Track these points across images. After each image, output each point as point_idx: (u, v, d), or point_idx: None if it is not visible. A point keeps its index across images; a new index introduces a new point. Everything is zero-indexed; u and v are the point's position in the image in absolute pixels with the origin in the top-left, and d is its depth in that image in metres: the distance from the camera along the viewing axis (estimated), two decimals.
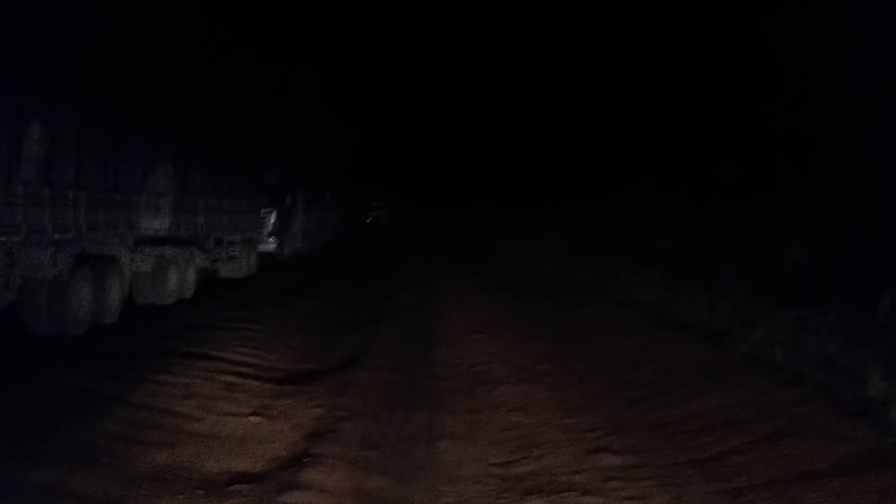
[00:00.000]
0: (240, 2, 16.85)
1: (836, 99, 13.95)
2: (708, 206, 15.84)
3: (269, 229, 20.96)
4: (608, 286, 14.22)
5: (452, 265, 22.82)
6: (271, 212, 20.96)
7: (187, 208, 12.81)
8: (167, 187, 11.98)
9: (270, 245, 20.96)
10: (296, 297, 13.78)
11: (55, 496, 4.46)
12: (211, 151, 14.24)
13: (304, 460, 5.35)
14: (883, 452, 5.05)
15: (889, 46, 12.18)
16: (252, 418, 6.40)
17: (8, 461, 4.84)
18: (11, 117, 7.95)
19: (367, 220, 48.79)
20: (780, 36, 15.45)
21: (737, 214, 14.57)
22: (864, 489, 4.49)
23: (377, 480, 5.21)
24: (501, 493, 5.13)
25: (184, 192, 12.69)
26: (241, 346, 9.17)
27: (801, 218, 12.82)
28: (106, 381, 6.98)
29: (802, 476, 4.84)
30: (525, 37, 30.50)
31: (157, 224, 11.63)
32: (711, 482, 5.02)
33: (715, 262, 11.40)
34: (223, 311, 11.84)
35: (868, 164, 12.56)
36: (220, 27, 14.61)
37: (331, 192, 28.46)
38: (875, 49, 12.96)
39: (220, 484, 4.95)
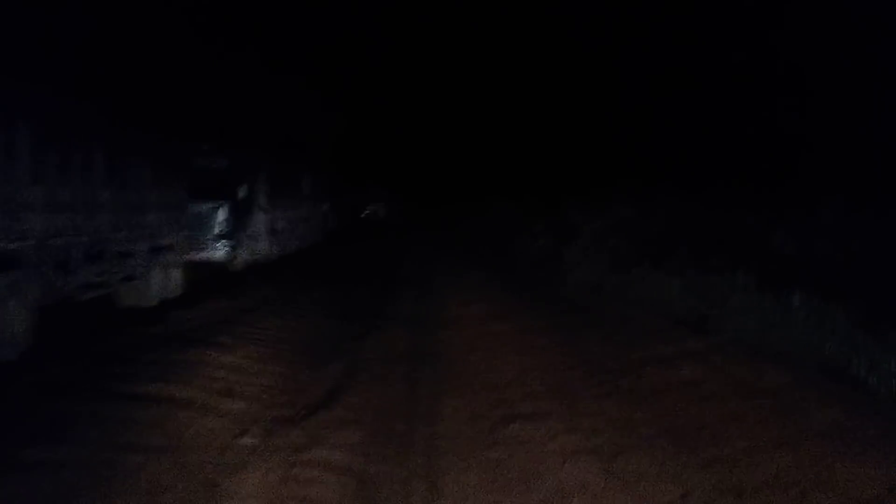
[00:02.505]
0: None
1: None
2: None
3: (217, 230, 15.82)
4: (707, 315, 9.07)
5: (463, 275, 17.58)
6: (218, 207, 15.82)
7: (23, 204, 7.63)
8: None
9: (219, 251, 15.82)
10: (218, 347, 8.63)
11: None
12: (97, 115, 9.18)
13: None
14: None
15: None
16: None
17: None
18: None
19: (362, 216, 43.73)
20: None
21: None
22: None
23: None
24: None
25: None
26: None
27: None
28: None
29: None
30: (538, 21, 25.28)
31: None
32: None
33: None
34: (44, 400, 6.53)
35: None
36: None
37: (310, 181, 23.26)
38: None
39: None
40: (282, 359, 8.27)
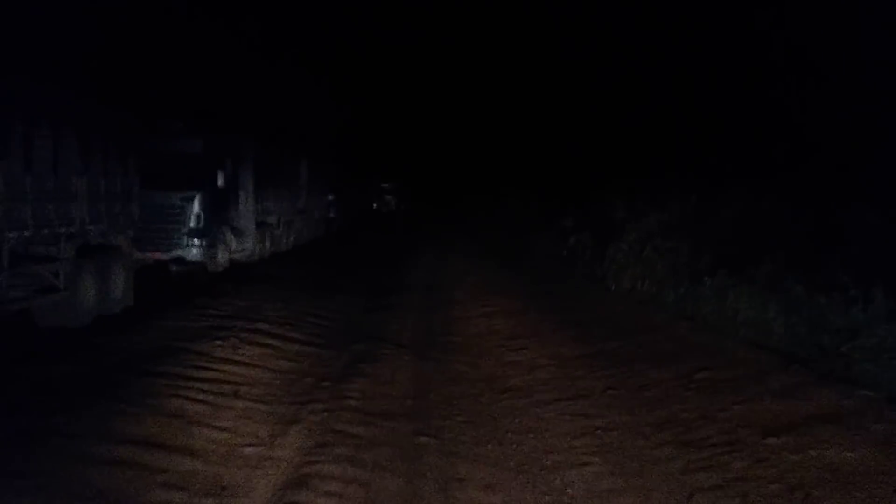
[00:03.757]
0: None
1: None
2: None
3: (190, 225, 13.31)
4: (826, 350, 6.48)
5: (482, 278, 14.99)
6: (191, 197, 13.30)
7: None
8: None
9: (192, 250, 13.32)
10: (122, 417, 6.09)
11: None
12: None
13: None
14: None
15: None
16: None
17: None
18: None
19: (374, 207, 41.19)
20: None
21: None
22: None
23: None
24: None
25: None
26: None
27: None
28: None
29: None
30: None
31: None
32: None
33: None
34: None
35: None
36: None
37: (310, 170, 20.69)
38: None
39: None
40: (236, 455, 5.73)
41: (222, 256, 14.06)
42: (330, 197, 27.32)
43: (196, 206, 13.33)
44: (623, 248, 11.52)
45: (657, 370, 7.25)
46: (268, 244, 16.76)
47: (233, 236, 14.68)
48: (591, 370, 7.65)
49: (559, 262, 15.73)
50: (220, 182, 13.86)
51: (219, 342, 7.87)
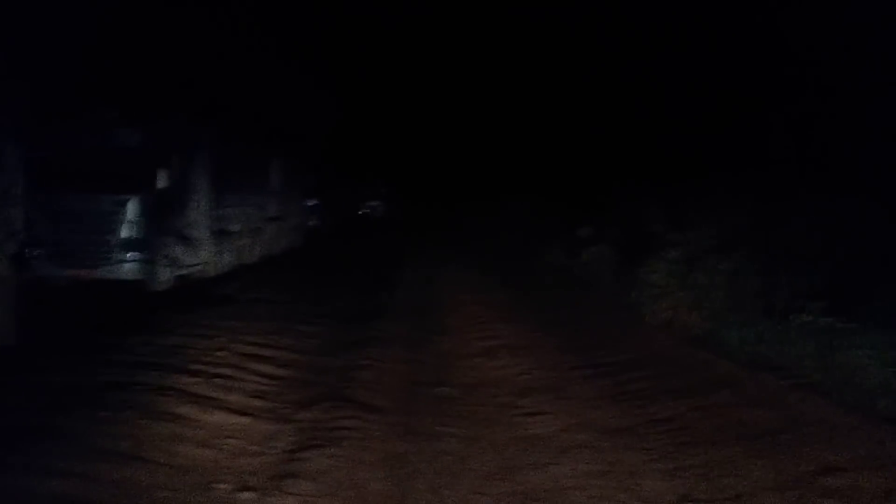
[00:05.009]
0: None
1: None
2: None
3: (123, 235, 10.83)
4: None
5: (486, 310, 12.57)
6: (124, 201, 10.83)
7: None
8: None
9: (125, 266, 10.84)
10: None
11: None
12: None
13: None
14: None
15: None
16: None
17: None
18: None
19: (362, 213, 38.64)
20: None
21: None
22: None
23: None
24: None
25: None
26: None
27: None
28: None
29: None
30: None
31: None
32: None
33: None
34: None
35: None
36: None
37: (285, 170, 18.17)
38: None
39: None
40: None
41: (166, 273, 11.55)
42: (311, 202, 24.85)
43: (130, 212, 10.87)
44: (661, 267, 9.07)
45: (757, 463, 4.80)
46: (228, 256, 14.25)
47: (181, 248, 12.17)
48: (648, 456, 5.19)
49: (572, 280, 13.29)
50: (163, 182, 11.36)
51: (106, 413, 5.36)
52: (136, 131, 11.02)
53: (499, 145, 29.10)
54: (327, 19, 27.70)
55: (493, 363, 8.24)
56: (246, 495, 4.32)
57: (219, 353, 7.46)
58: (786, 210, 8.66)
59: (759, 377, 6.62)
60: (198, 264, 12.91)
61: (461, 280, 15.47)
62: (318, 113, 28.37)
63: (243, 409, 5.89)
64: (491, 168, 30.45)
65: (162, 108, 12.06)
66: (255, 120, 16.72)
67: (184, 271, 12.38)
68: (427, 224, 34.10)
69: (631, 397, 6.62)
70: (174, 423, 5.34)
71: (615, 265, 11.37)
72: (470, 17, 28.75)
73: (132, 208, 10.84)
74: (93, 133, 10.78)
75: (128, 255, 10.79)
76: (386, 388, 6.87)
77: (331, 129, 31.89)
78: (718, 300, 7.90)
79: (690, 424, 5.78)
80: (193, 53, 14.99)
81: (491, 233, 24.21)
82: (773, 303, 7.13)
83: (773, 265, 7.96)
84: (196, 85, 14.49)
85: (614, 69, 15.21)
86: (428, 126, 40.32)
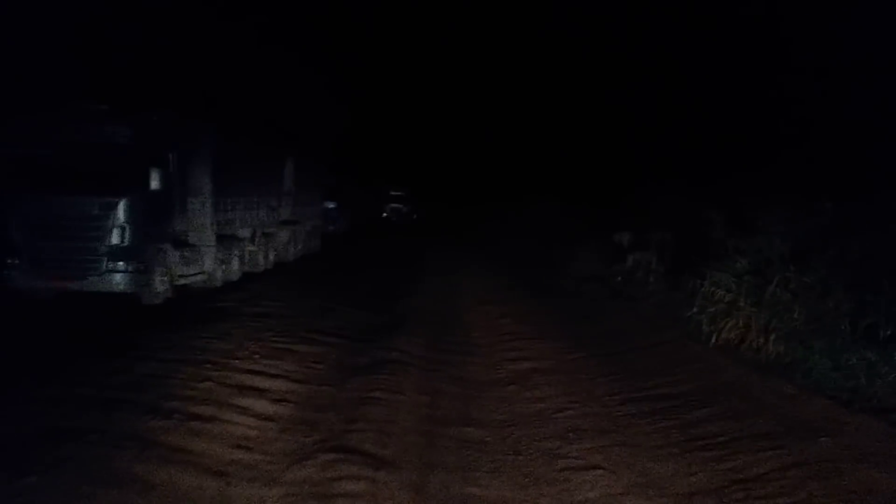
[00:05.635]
0: None
1: None
2: None
3: (112, 242, 9.72)
4: None
5: (514, 324, 11.30)
6: (114, 204, 9.73)
7: None
8: None
9: (115, 277, 9.75)
10: None
11: None
12: None
13: None
14: None
15: None
16: None
17: None
18: None
19: (383, 215, 37.53)
20: None
21: None
22: None
23: None
24: None
25: None
26: None
27: None
28: None
29: None
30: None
31: None
32: None
33: None
34: None
35: None
36: None
37: (298, 170, 17.01)
38: None
39: None
40: None
41: (162, 283, 10.42)
42: (330, 205, 23.74)
43: (121, 216, 9.77)
44: (727, 279, 7.71)
45: None
46: (236, 264, 13.12)
47: (180, 256, 11.05)
48: None
49: (611, 291, 11.94)
50: (157, 183, 10.23)
51: (31, 479, 4.18)
52: (127, 126, 9.90)
53: (522, 146, 27.79)
54: (348, 18, 26.69)
55: (527, 393, 6.98)
56: None
57: (203, 385, 6.27)
58: (868, 211, 7.25)
59: (865, 422, 5.28)
60: (200, 273, 11.79)
61: (486, 289, 14.20)
62: (338, 113, 27.31)
63: (219, 466, 4.69)
64: (514, 169, 29.13)
65: (159, 101, 10.95)
66: (268, 117, 15.58)
67: (184, 281, 11.26)
68: (450, 227, 32.86)
69: (704, 446, 5.33)
70: (124, 491, 4.15)
71: (663, 275, 10.02)
72: (493, 18, 27.56)
73: (122, 211, 9.73)
74: (78, 128, 9.67)
75: (118, 264, 9.68)
76: (400, 431, 5.63)
77: (352, 130, 30.84)
78: (799, 319, 6.54)
79: (790, 489, 4.47)
80: (198, 43, 13.93)
81: (516, 236, 22.89)
82: (873, 325, 5.78)
83: (863, 278, 6.59)
84: (201, 77, 13.39)
85: (648, 51, 13.75)
86: (450, 127, 39.15)
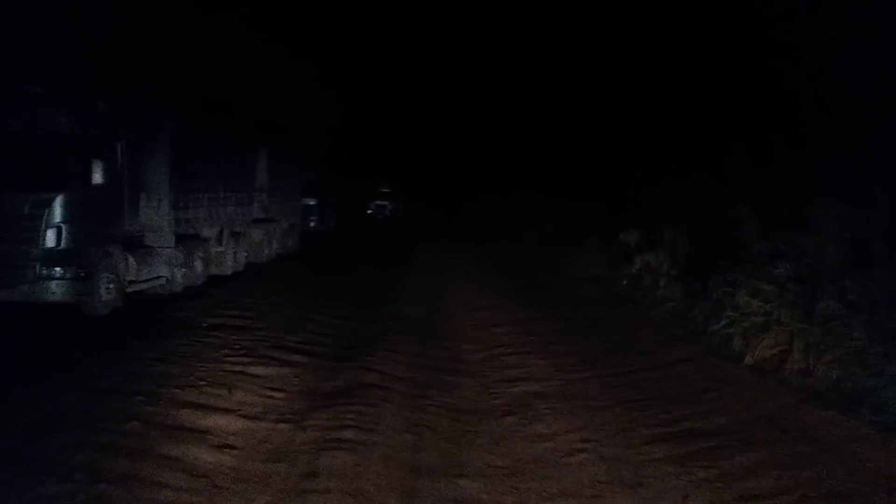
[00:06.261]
0: None
1: None
2: None
3: (46, 245, 8.43)
4: None
5: (509, 336, 10.09)
6: (48, 201, 8.43)
7: None
8: None
9: (50, 286, 8.47)
10: None
11: None
12: None
13: None
14: None
15: None
16: None
17: None
18: None
19: (367, 213, 36.19)
20: None
21: None
22: None
23: None
24: None
25: None
26: None
27: None
28: None
29: None
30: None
31: None
32: None
33: None
34: None
35: None
36: None
37: (274, 164, 15.69)
38: None
39: None
40: None
41: (108, 291, 9.12)
42: (311, 201, 22.44)
43: (57, 214, 8.46)
44: (767, 290, 6.52)
45: None
46: (199, 267, 11.83)
47: (132, 259, 9.76)
48: None
49: (618, 297, 10.74)
50: (102, 177, 8.95)
51: None
52: (66, 111, 8.61)
53: (515, 139, 26.52)
54: (338, 8, 25.39)
55: (530, 427, 5.78)
56: None
57: (128, 427, 5.02)
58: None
59: None
60: (157, 279, 10.51)
61: (477, 292, 12.98)
62: (324, 104, 26.02)
63: None
64: (508, 163, 27.86)
65: (109, 83, 9.66)
66: (240, 105, 14.27)
67: (137, 288, 9.98)
68: (439, 225, 31.58)
69: None
70: None
71: (675, 279, 8.84)
72: (484, 7, 26.27)
73: (58, 209, 8.43)
74: (8, 113, 8.38)
75: (53, 270, 8.38)
76: (373, 490, 4.40)
77: (336, 123, 29.50)
78: (861, 338, 5.38)
79: None
80: (162, 23, 12.62)
81: (509, 234, 21.68)
82: None
83: None
84: (164, 59, 12.10)
85: (656, 22, 12.43)
86: (439, 120, 37.79)
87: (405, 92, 36.83)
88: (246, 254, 14.21)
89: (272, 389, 6.27)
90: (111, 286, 9.19)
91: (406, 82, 35.95)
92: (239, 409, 5.64)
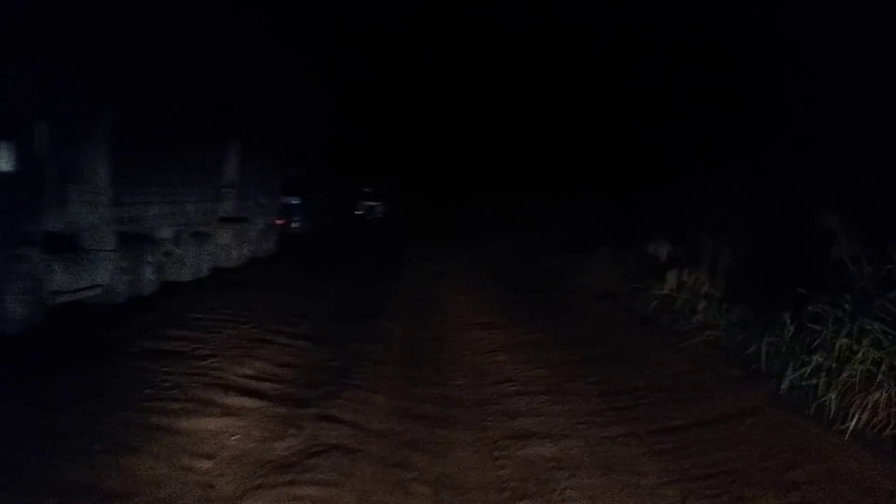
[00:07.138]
0: None
1: None
2: None
3: None
4: None
5: (515, 377, 8.31)
6: None
7: None
8: None
9: None
10: None
11: None
12: None
13: None
14: None
15: None
16: None
17: None
18: None
19: (357, 213, 34.41)
20: None
21: None
22: None
23: None
24: None
25: None
26: None
27: None
28: None
29: None
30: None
31: None
32: None
33: None
34: None
35: None
36: None
37: (247, 156, 13.93)
38: None
39: None
40: None
41: (20, 304, 7.35)
42: (293, 200, 20.67)
43: None
44: (876, 328, 4.84)
45: None
46: (149, 274, 10.05)
47: (57, 264, 7.99)
48: None
49: (637, 319, 9.04)
50: (10, 162, 7.18)
51: None
52: None
53: (518, 132, 24.86)
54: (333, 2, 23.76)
55: None
56: None
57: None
58: None
59: None
60: (93, 287, 8.75)
61: (474, 307, 11.26)
62: (313, 97, 24.22)
63: None
64: (509, 159, 26.19)
65: (25, 49, 7.87)
66: (206, 87, 12.46)
67: (66, 299, 8.23)
68: (432, 228, 29.78)
69: None
70: None
71: (721, 303, 7.16)
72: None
73: None
74: None
75: None
76: None
77: (330, 118, 27.72)
78: None
79: None
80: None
81: (511, 238, 19.98)
82: None
83: None
84: (111, 27, 10.26)
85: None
86: (438, 116, 36.13)
87: (404, 88, 35.21)
88: (210, 258, 12.44)
89: (197, 457, 4.53)
90: (25, 297, 7.42)
91: (406, 78, 34.35)
92: (144, 493, 3.89)
